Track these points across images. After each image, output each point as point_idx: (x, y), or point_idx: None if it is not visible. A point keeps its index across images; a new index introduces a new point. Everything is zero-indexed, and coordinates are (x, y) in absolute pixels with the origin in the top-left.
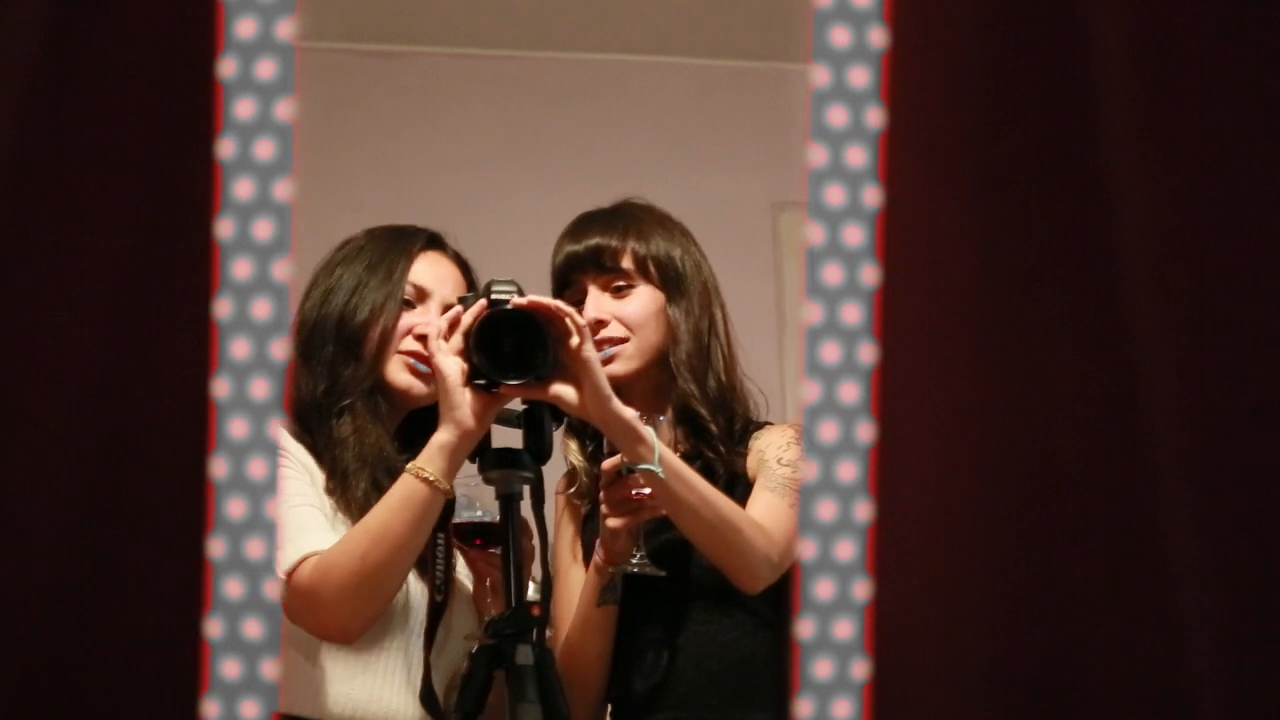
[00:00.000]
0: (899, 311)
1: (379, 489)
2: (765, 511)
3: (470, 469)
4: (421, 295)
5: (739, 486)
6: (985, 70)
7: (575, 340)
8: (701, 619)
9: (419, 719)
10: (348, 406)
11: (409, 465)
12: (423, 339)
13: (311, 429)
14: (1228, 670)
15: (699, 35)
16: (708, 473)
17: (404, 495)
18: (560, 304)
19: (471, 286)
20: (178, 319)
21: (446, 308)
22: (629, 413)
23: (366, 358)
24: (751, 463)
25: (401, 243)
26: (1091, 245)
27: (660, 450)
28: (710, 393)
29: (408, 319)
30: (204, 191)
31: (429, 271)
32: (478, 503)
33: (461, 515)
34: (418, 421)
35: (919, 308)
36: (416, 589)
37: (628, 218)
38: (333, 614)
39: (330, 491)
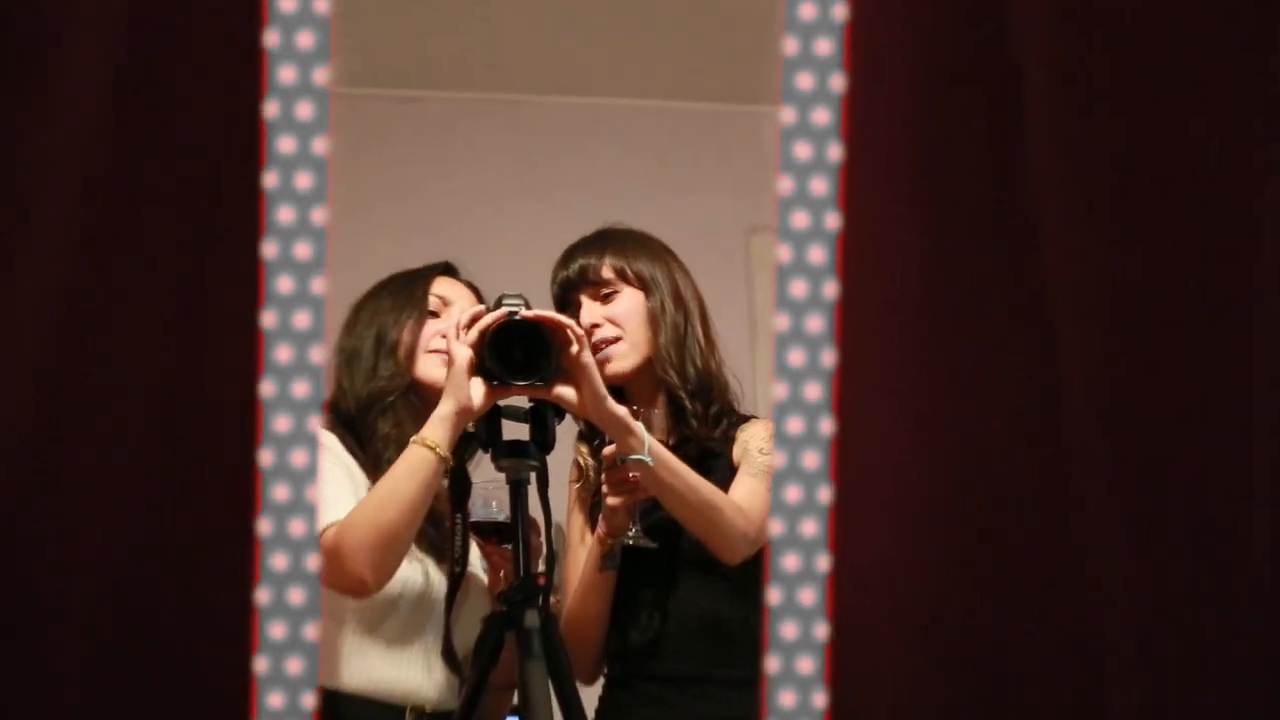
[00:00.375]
0: (856, 321)
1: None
2: (745, 494)
3: (490, 475)
4: (444, 304)
5: (719, 465)
6: (932, 110)
7: (575, 348)
8: (686, 586)
9: (438, 696)
10: (390, 405)
11: (414, 437)
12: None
13: (356, 428)
14: (1138, 627)
15: (683, 81)
16: (699, 452)
17: (410, 462)
18: (561, 316)
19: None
20: (229, 328)
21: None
22: (621, 410)
23: (402, 361)
24: (737, 451)
25: (420, 273)
26: (1021, 260)
27: (649, 442)
28: (689, 379)
29: (434, 325)
30: (251, 217)
31: (448, 288)
32: (494, 502)
33: (479, 513)
34: None
35: (874, 318)
36: (436, 579)
37: (606, 238)
38: (352, 568)
39: (375, 479)
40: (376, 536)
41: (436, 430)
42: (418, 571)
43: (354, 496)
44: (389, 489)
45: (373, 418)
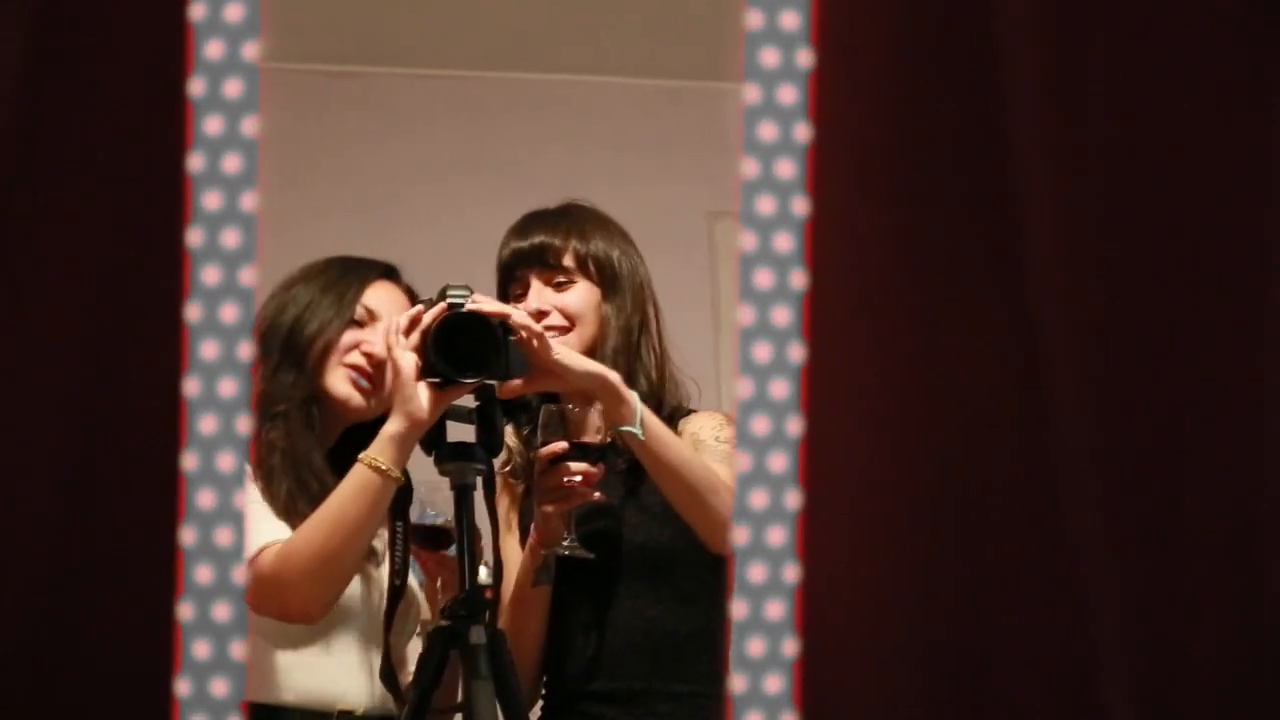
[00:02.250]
0: (826, 314)
1: (305, 490)
2: (725, 481)
3: (425, 476)
4: (371, 317)
5: None
6: (905, 87)
7: (536, 344)
8: (629, 597)
9: (370, 702)
10: (281, 414)
11: (361, 455)
12: (369, 356)
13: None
14: (1127, 639)
15: (639, 56)
16: (633, 463)
17: (357, 483)
18: (507, 307)
19: None
20: (151, 322)
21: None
22: (613, 376)
23: (307, 369)
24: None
25: (358, 270)
26: (1001, 250)
27: (641, 412)
28: (639, 384)
29: (354, 335)
30: (175, 202)
31: (381, 298)
32: (429, 507)
33: (414, 518)
34: (354, 435)
35: (844, 310)
36: (362, 583)
37: (571, 218)
38: (296, 597)
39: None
40: (321, 566)
41: (387, 450)
42: (355, 581)
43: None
44: (335, 513)
45: (262, 421)
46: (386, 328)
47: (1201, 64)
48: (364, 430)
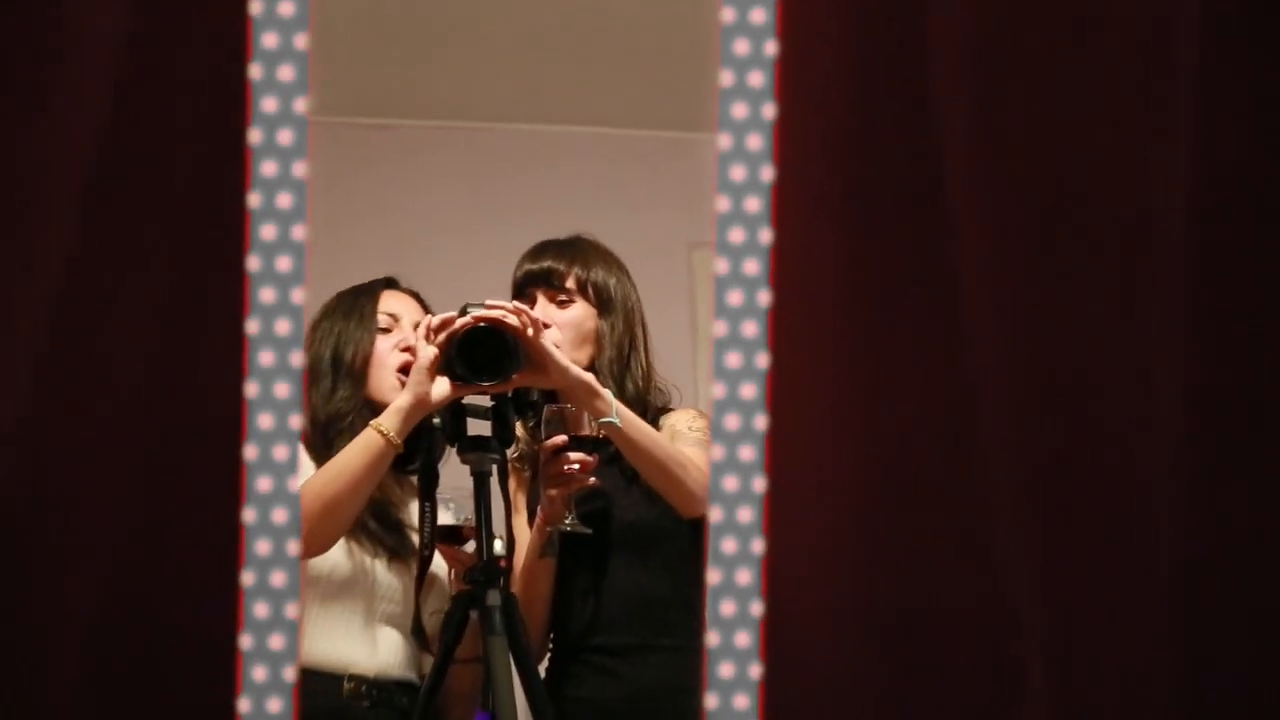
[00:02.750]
0: (788, 327)
1: (380, 490)
2: (693, 458)
3: (453, 484)
4: (394, 320)
5: None
6: (857, 136)
7: (530, 331)
8: (622, 566)
9: (376, 668)
10: (349, 425)
11: (372, 422)
12: (409, 350)
13: (320, 446)
14: (1044, 607)
15: (630, 110)
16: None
17: (362, 444)
18: (517, 304)
19: (428, 312)
20: (217, 335)
21: (417, 325)
22: (587, 376)
23: (356, 382)
24: (665, 435)
25: (366, 290)
26: (940, 272)
27: (616, 404)
28: (627, 392)
29: (386, 342)
30: (237, 234)
31: (394, 303)
32: (452, 504)
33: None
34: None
35: (804, 324)
36: (370, 561)
37: (576, 248)
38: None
39: None
40: (320, 508)
41: (391, 418)
42: (347, 556)
43: None
44: (337, 465)
45: (333, 436)
46: (423, 323)
47: (1112, 96)
48: (419, 429)
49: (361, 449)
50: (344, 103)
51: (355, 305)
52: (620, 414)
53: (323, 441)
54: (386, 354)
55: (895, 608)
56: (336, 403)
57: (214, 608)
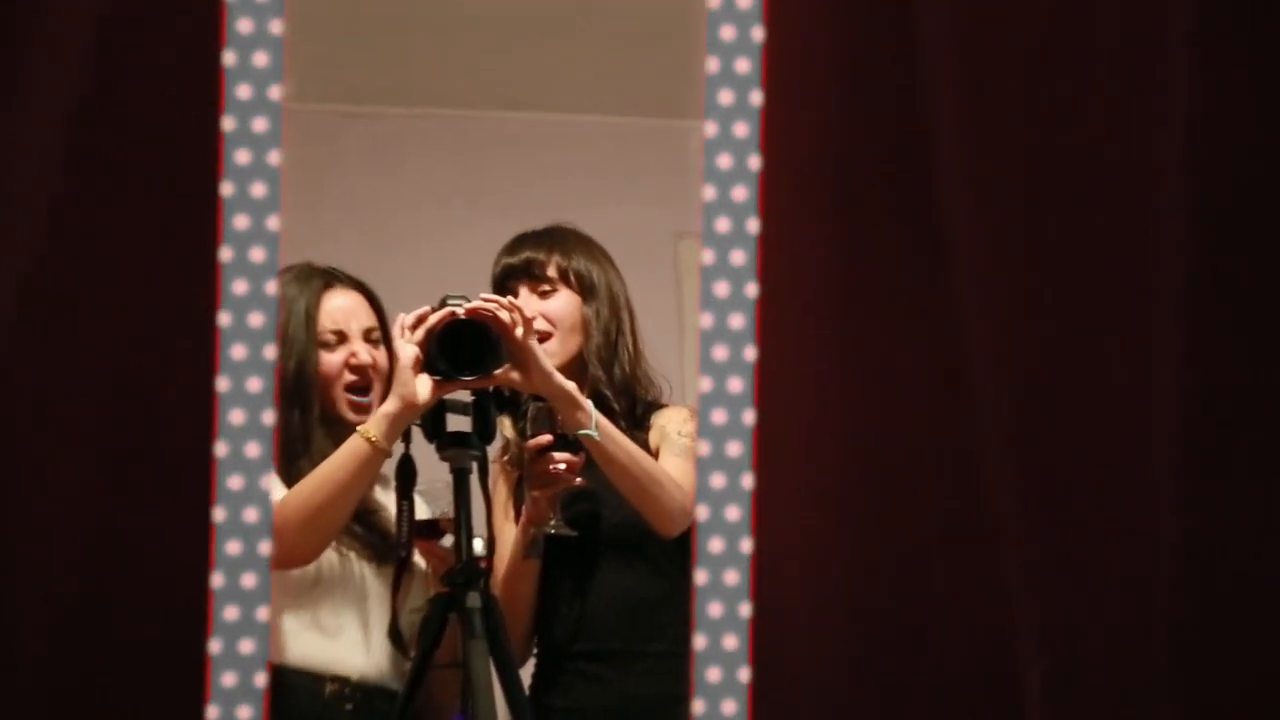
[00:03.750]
0: (775, 319)
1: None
2: (674, 472)
3: (431, 477)
4: (341, 337)
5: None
6: (844, 123)
7: (520, 331)
8: (609, 569)
9: (360, 671)
10: (303, 450)
11: (359, 428)
12: (358, 370)
13: (281, 468)
14: (1039, 608)
15: (615, 97)
16: None
17: (349, 450)
18: (508, 299)
19: (374, 303)
20: (188, 327)
21: (366, 332)
22: (570, 385)
23: (309, 403)
24: (654, 436)
25: (304, 295)
26: (930, 262)
27: (596, 417)
28: (615, 379)
29: (334, 359)
30: (209, 223)
31: (339, 307)
32: (429, 497)
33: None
34: None
35: (791, 316)
36: (359, 563)
37: (554, 237)
38: (284, 543)
39: None
40: (306, 514)
41: (380, 425)
42: (335, 557)
43: None
44: (325, 472)
45: (294, 461)
46: (399, 323)
47: (1110, 84)
48: None
49: (347, 456)
50: (320, 89)
51: (293, 312)
52: (600, 427)
53: (284, 460)
54: (336, 371)
55: (888, 613)
56: (291, 429)
57: (183, 610)
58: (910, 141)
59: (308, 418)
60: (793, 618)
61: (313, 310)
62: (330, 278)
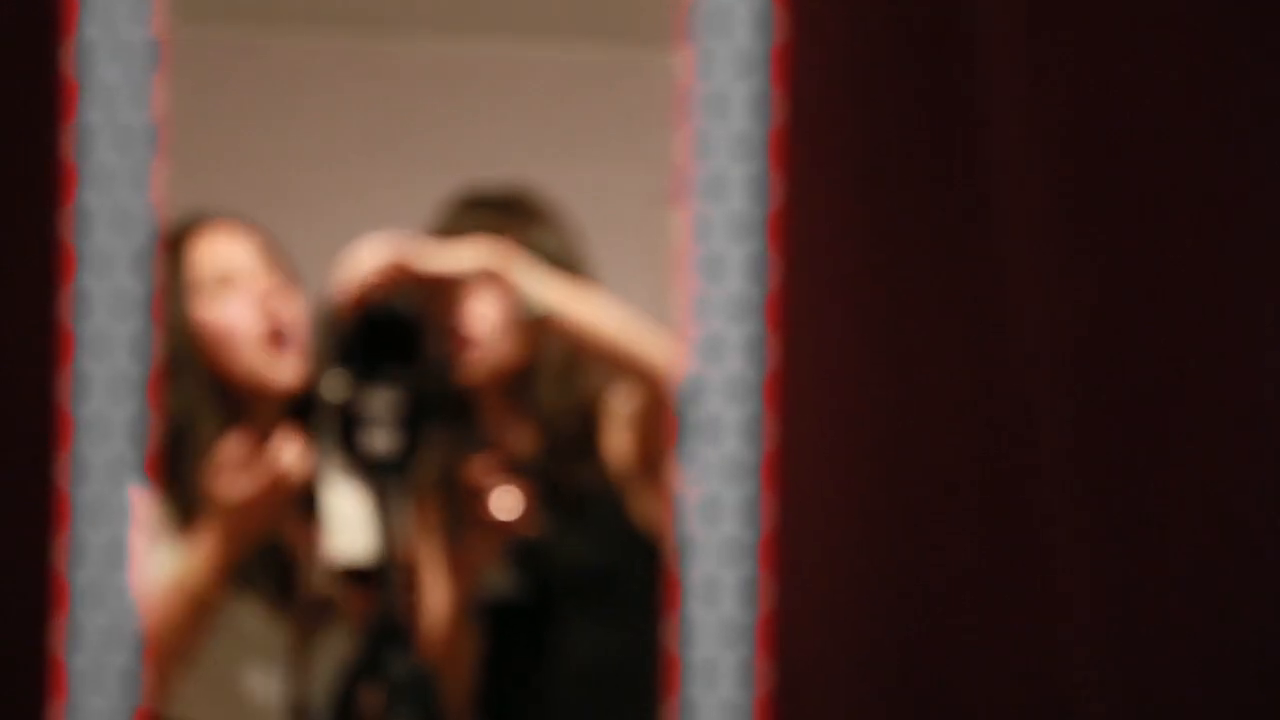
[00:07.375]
0: (788, 299)
1: None
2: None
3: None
4: (226, 281)
5: None
6: (876, 74)
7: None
8: (570, 627)
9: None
10: (196, 436)
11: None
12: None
13: (170, 498)
14: (1102, 643)
15: (580, 18)
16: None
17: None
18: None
19: (272, 252)
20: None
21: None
22: (493, 258)
23: (197, 373)
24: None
25: (173, 252)
26: (976, 240)
27: (537, 281)
28: (559, 409)
29: (229, 309)
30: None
31: (220, 252)
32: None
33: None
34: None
35: (804, 293)
36: (265, 617)
37: (515, 213)
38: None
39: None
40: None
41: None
42: (241, 608)
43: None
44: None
45: (184, 458)
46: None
47: (1167, 43)
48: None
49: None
50: (210, 9)
51: (164, 263)
52: (546, 299)
53: (171, 474)
54: (234, 323)
55: (926, 652)
56: (176, 405)
57: (23, 660)
58: (958, 98)
59: (199, 390)
60: (818, 687)
61: (184, 255)
62: (206, 219)
